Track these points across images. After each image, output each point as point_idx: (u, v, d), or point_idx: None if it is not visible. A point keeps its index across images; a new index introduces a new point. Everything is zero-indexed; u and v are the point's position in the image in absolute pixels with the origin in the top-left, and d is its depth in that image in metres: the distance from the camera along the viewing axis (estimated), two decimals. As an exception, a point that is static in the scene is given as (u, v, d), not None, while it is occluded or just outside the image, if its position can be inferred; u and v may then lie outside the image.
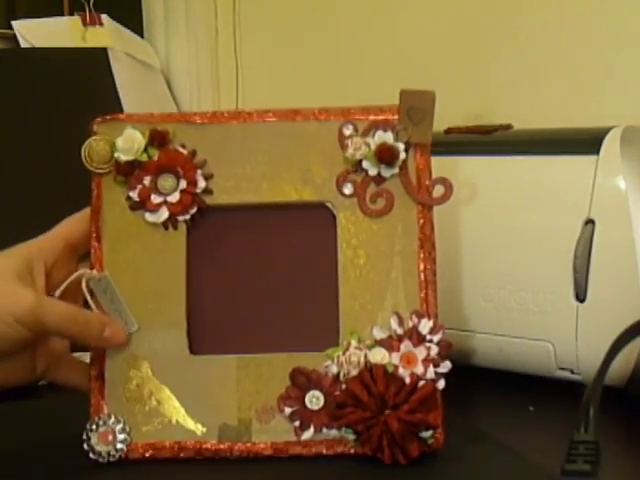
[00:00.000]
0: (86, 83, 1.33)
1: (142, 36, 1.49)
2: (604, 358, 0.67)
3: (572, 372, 0.79)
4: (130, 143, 0.68)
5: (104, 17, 1.40)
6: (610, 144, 0.77)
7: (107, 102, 1.32)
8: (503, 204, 0.82)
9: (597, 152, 0.77)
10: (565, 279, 0.77)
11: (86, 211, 0.69)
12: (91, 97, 1.30)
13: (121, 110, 1.30)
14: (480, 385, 0.82)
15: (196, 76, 1.50)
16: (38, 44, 1.31)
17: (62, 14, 1.39)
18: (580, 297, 0.77)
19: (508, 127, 0.90)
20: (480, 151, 0.86)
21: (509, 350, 0.82)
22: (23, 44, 1.30)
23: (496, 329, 0.82)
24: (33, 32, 1.31)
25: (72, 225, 0.70)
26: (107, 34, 1.39)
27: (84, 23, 1.38)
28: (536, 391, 0.80)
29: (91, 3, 1.38)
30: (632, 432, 0.72)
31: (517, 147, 0.86)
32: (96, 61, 1.36)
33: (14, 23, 1.31)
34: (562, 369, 0.80)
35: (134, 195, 0.68)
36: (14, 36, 1.30)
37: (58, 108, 1.26)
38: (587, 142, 0.79)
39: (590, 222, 0.77)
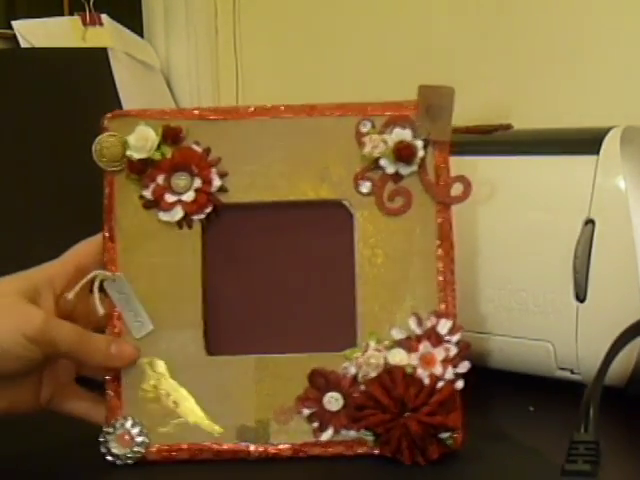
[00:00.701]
0: (86, 83, 1.32)
1: (142, 36, 1.48)
2: (604, 358, 0.67)
3: (572, 372, 0.79)
4: (143, 141, 0.66)
5: (104, 17, 1.39)
6: (610, 144, 0.77)
7: (107, 102, 1.31)
8: (503, 204, 0.82)
9: (597, 152, 0.77)
10: (565, 279, 0.77)
11: (98, 237, 0.68)
12: (91, 97, 1.29)
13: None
14: (480, 385, 0.82)
15: (196, 76, 1.49)
16: (38, 44, 1.30)
17: (62, 14, 1.37)
18: (580, 297, 0.76)
19: (508, 127, 0.89)
20: (480, 151, 0.85)
21: (509, 350, 0.81)
22: (23, 44, 1.29)
23: (496, 329, 0.82)
24: (33, 32, 1.30)
25: (84, 250, 0.68)
26: (107, 34, 1.38)
27: (84, 23, 1.37)
28: (536, 391, 0.80)
29: (91, 3, 1.37)
30: (632, 432, 0.72)
31: (517, 147, 0.85)
32: (96, 61, 1.35)
33: (14, 23, 1.29)
34: (562, 369, 0.79)
35: (147, 194, 0.67)
36: (14, 36, 1.28)
37: (58, 108, 1.25)
38: (587, 142, 0.79)
39: (590, 222, 0.76)
